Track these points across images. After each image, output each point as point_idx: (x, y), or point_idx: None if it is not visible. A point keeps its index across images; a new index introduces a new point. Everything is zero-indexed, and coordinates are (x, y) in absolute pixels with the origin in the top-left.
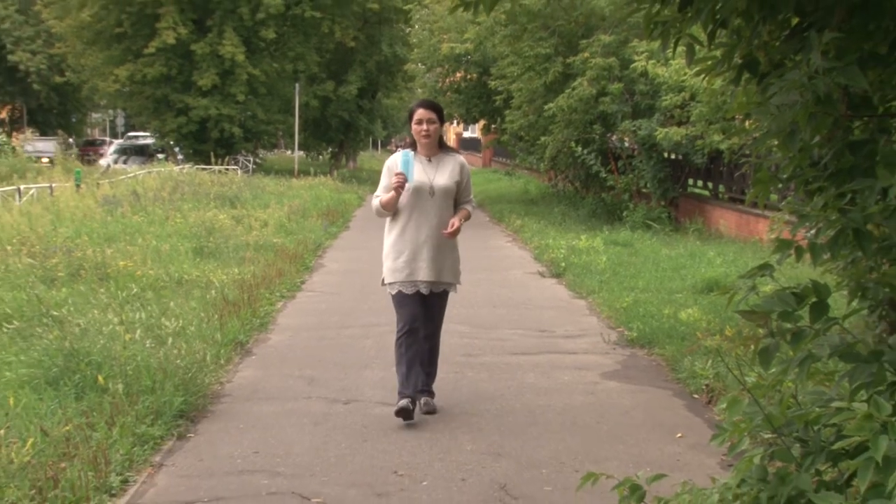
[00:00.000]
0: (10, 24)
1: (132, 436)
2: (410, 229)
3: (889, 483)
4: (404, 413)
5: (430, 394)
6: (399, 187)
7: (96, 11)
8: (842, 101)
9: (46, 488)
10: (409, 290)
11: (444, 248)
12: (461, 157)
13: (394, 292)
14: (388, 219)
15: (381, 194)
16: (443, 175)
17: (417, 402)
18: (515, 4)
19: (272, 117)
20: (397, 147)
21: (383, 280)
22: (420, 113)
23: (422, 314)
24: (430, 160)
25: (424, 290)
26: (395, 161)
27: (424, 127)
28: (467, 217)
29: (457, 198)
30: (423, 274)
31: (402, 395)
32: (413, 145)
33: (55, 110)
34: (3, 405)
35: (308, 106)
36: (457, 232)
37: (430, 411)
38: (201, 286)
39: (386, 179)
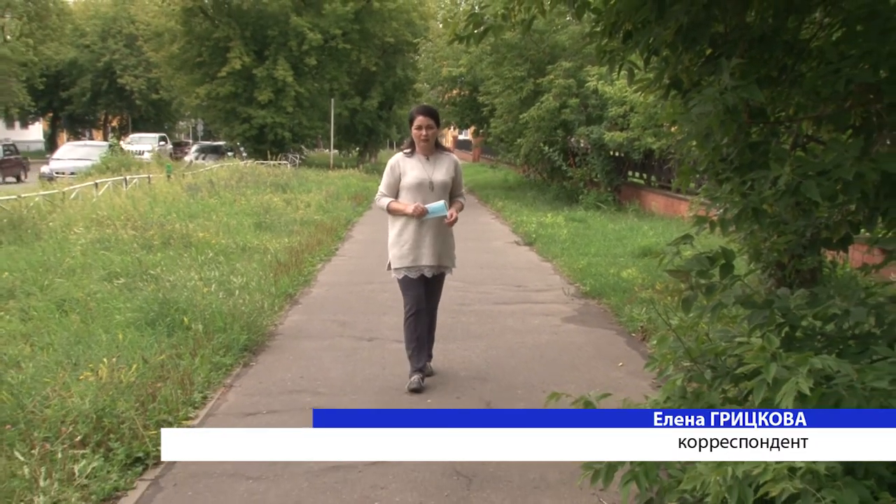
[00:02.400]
0: (120, 56)
1: (209, 364)
2: (414, 220)
3: (776, 398)
4: (417, 390)
5: (429, 357)
6: (419, 213)
7: (183, 45)
8: (744, 112)
9: (147, 402)
10: (413, 275)
11: (443, 235)
12: (454, 156)
13: (400, 277)
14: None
15: (385, 192)
16: (440, 171)
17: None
18: (498, 39)
19: (313, 124)
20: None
21: (389, 265)
22: (419, 120)
23: (424, 294)
24: (427, 159)
25: (428, 274)
26: (397, 162)
27: (423, 132)
28: (461, 208)
29: (451, 191)
30: (426, 259)
31: (413, 372)
32: (412, 145)
33: (152, 119)
34: (115, 340)
35: (340, 115)
36: (455, 221)
37: (428, 374)
38: (260, 252)
39: (388, 177)
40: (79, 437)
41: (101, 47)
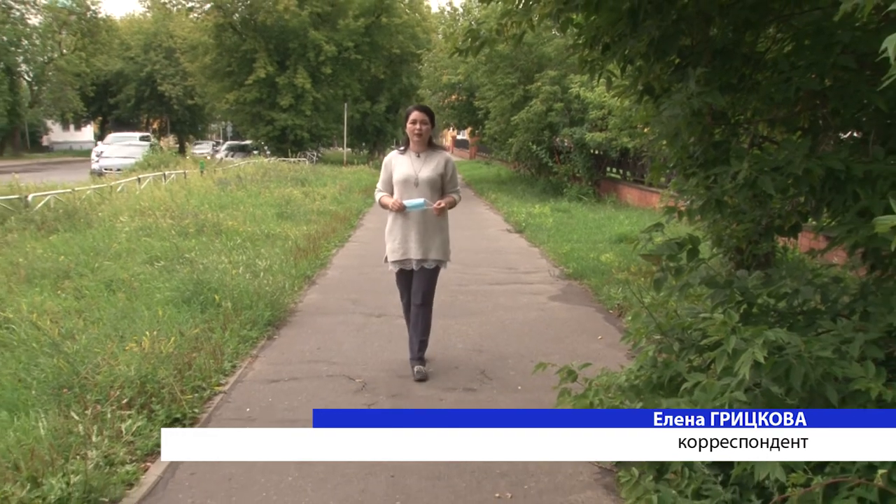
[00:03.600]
0: (160, 66)
1: (237, 337)
2: (401, 215)
3: (735, 366)
4: (422, 378)
5: (422, 362)
6: (397, 209)
7: (214, 57)
8: (708, 115)
9: (184, 370)
10: (406, 268)
11: (431, 229)
12: (448, 154)
13: (396, 270)
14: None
15: (381, 188)
16: (428, 168)
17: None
18: (492, 51)
19: (329, 125)
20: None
21: (386, 258)
22: (415, 115)
23: (413, 287)
24: (418, 156)
25: (416, 267)
26: (390, 159)
27: (417, 127)
28: (452, 203)
29: (443, 187)
30: (413, 252)
31: (414, 362)
32: (407, 143)
33: (187, 122)
34: (155, 316)
35: (353, 118)
36: (442, 211)
37: (422, 379)
38: (282, 238)
39: (383, 174)
40: (125, 400)
41: (143, 59)
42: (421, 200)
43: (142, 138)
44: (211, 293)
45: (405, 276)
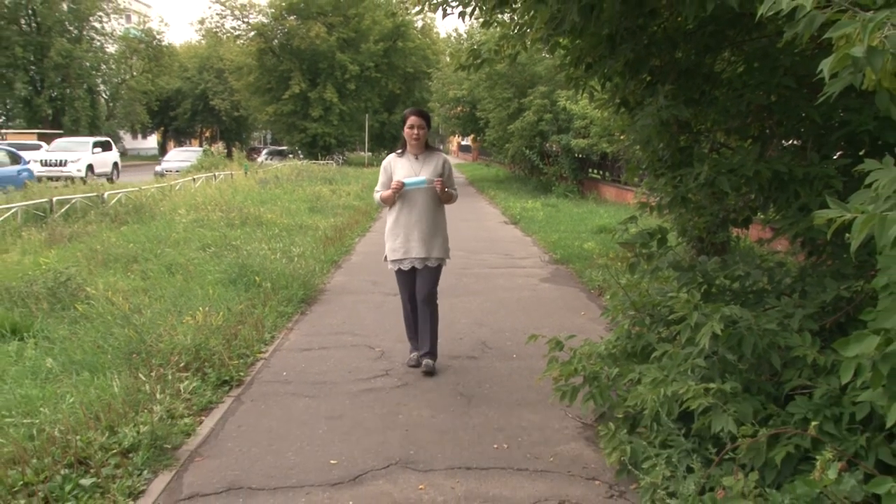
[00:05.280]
0: (211, 84)
1: (276, 312)
2: (403, 215)
3: (697, 337)
4: (416, 364)
5: (433, 356)
6: (396, 190)
7: (256, 76)
8: (674, 125)
9: (231, 340)
10: (406, 267)
11: (433, 229)
12: (444, 156)
13: (395, 269)
14: (387, 207)
15: (379, 189)
16: (427, 169)
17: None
18: (491, 69)
19: (353, 133)
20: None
21: (385, 257)
22: (412, 119)
23: (418, 285)
24: (417, 158)
25: (419, 265)
26: (389, 162)
27: (415, 131)
28: (450, 196)
29: None
30: (416, 251)
31: (413, 349)
32: (404, 145)
33: (234, 131)
34: (207, 294)
35: (372, 126)
36: (443, 191)
37: (430, 372)
38: (313, 229)
39: (382, 176)
40: (183, 364)
41: (198, 78)
42: (422, 178)
43: (97, 144)
44: (253, 275)
45: (405, 275)
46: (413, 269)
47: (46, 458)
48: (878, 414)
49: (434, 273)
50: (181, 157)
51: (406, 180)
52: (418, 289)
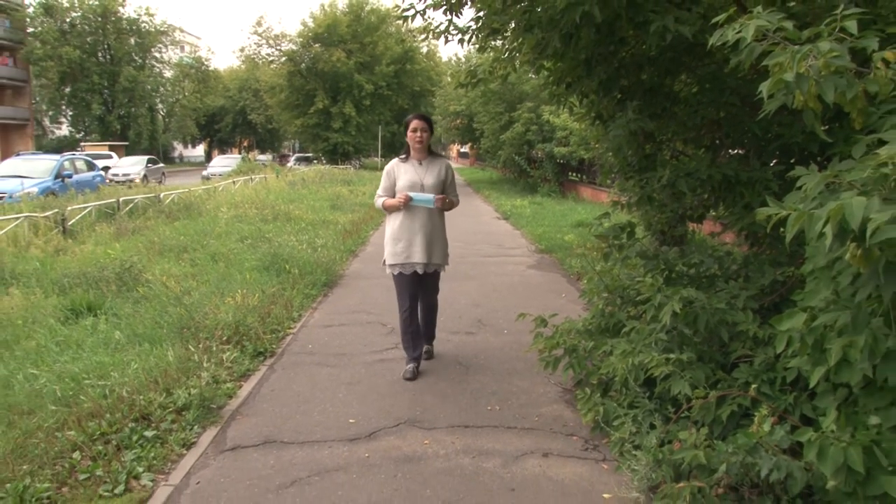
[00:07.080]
0: (249, 101)
1: (302, 294)
2: (406, 220)
3: (660, 315)
4: (411, 377)
5: (430, 343)
6: (404, 200)
7: (287, 95)
8: (641, 135)
9: (265, 317)
10: (407, 272)
11: (434, 235)
12: (447, 161)
13: (395, 273)
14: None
15: (381, 194)
16: (431, 175)
17: (421, 361)
18: (486, 88)
19: (368, 142)
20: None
21: (384, 261)
22: (415, 123)
23: (417, 292)
24: (420, 163)
25: (420, 270)
26: (392, 167)
27: (418, 135)
28: (451, 204)
29: (443, 191)
30: (418, 257)
31: (409, 361)
32: (408, 150)
33: (267, 140)
34: (245, 279)
35: (385, 136)
36: (443, 202)
37: (429, 357)
38: (334, 224)
39: (385, 181)
40: (225, 338)
41: (238, 97)
42: (430, 196)
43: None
44: (283, 263)
45: (405, 278)
46: (415, 272)
47: (117, 413)
48: (804, 377)
49: (436, 278)
50: (224, 163)
51: (414, 195)
52: (423, 296)
